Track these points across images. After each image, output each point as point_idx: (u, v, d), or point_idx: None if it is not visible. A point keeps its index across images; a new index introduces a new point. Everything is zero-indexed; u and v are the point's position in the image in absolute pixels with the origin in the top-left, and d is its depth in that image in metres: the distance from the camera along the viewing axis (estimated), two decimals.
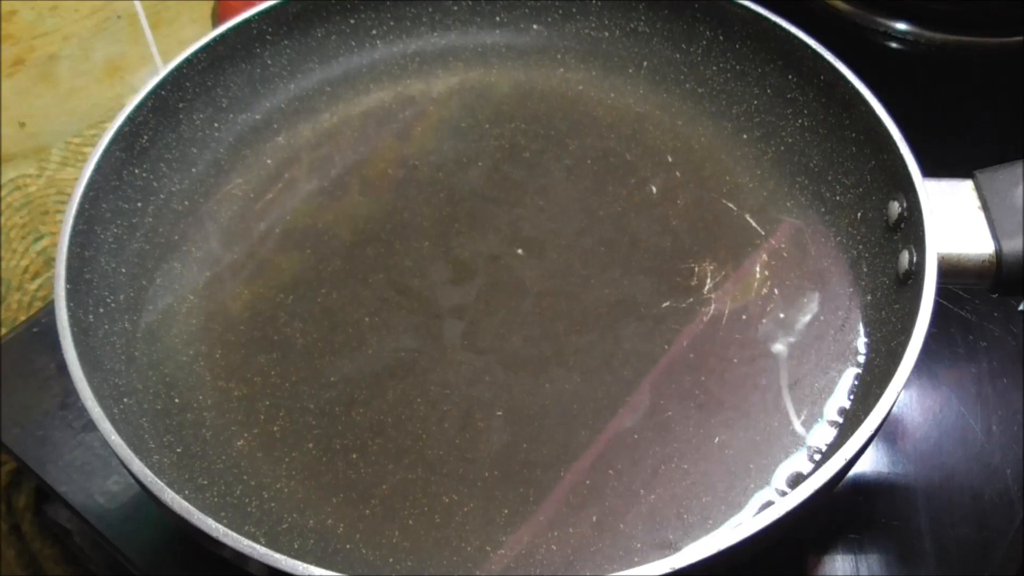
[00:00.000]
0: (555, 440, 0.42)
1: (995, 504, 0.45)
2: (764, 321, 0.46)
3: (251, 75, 0.55)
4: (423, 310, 0.47)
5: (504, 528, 0.40)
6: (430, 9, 0.58)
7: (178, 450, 0.42)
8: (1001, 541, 0.44)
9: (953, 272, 0.41)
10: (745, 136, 0.53)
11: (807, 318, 0.46)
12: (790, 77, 0.52)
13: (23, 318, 0.61)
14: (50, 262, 0.67)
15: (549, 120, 0.55)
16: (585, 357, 0.45)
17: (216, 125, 0.54)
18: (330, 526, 0.40)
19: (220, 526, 0.34)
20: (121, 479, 0.47)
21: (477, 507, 0.41)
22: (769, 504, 0.39)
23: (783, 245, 0.49)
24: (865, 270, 0.47)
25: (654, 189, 0.52)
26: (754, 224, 0.50)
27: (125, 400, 0.43)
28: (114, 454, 0.37)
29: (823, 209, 0.50)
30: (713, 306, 0.47)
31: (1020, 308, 0.52)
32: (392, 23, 0.58)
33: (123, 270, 0.47)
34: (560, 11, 0.58)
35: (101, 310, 0.45)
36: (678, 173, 0.52)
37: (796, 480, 0.41)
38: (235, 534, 0.34)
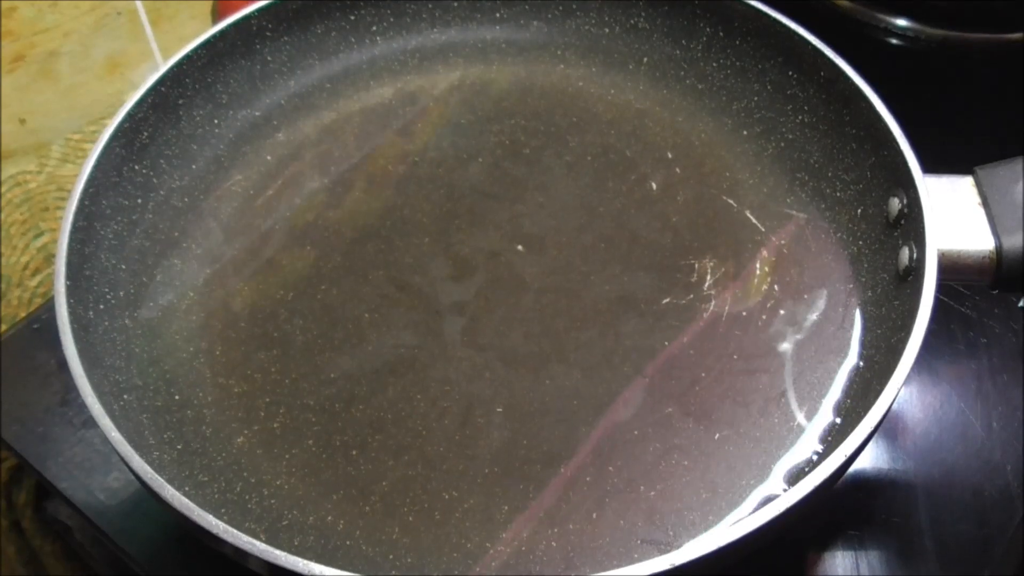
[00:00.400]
0: (555, 436, 0.42)
1: (995, 501, 0.46)
2: (764, 317, 0.46)
3: (251, 71, 0.55)
4: (423, 306, 0.47)
5: (504, 524, 0.40)
6: (430, 5, 0.58)
7: (178, 446, 0.42)
8: (1001, 538, 0.44)
9: (953, 268, 0.41)
10: (745, 132, 0.53)
11: (807, 314, 0.46)
12: (790, 73, 0.52)
13: (23, 314, 0.61)
14: (50, 258, 0.67)
15: (549, 116, 0.55)
16: (585, 353, 0.45)
17: (216, 121, 0.54)
18: (330, 522, 0.40)
19: (220, 522, 0.34)
20: (121, 475, 0.47)
21: (477, 503, 0.41)
22: (769, 500, 0.39)
23: (783, 241, 0.49)
24: (865, 266, 0.47)
25: (654, 185, 0.52)
26: (754, 220, 0.50)
27: (125, 396, 0.43)
28: (114, 450, 0.37)
29: (823, 205, 0.50)
30: (713, 303, 0.47)
31: (1020, 304, 0.52)
32: (392, 19, 0.58)
33: (123, 266, 0.47)
34: (560, 7, 0.58)
35: (101, 306, 0.45)
36: (678, 169, 0.52)
37: (796, 476, 0.41)
38: (235, 530, 0.34)
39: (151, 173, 0.50)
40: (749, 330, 0.46)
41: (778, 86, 0.53)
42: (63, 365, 0.39)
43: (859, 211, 0.48)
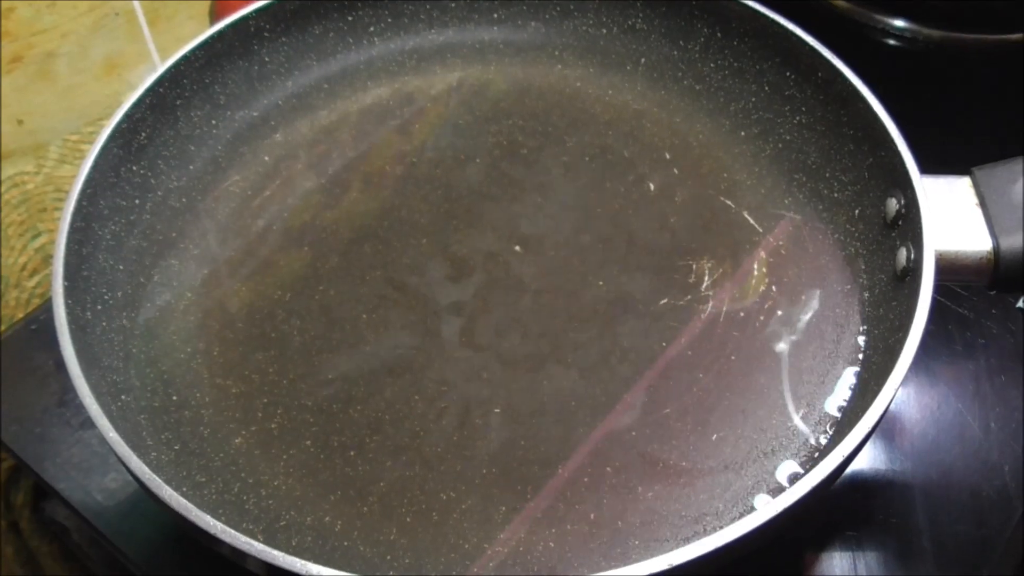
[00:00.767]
0: (553, 437, 0.42)
1: (993, 501, 0.46)
2: (762, 318, 0.46)
3: (249, 72, 0.55)
4: (421, 307, 0.47)
5: (502, 525, 0.40)
6: (428, 6, 0.58)
7: (176, 447, 0.42)
8: (999, 538, 0.44)
9: (951, 269, 0.41)
10: (743, 133, 0.53)
11: (805, 315, 0.46)
12: (788, 74, 0.52)
13: (21, 315, 0.61)
14: (48, 259, 0.67)
15: (547, 117, 0.55)
16: (583, 354, 0.45)
17: (214, 122, 0.54)
18: (328, 523, 0.40)
19: (218, 523, 0.34)
20: (119, 476, 0.47)
21: (475, 504, 0.41)
22: (767, 501, 0.39)
23: (781, 242, 0.49)
24: (863, 267, 0.47)
25: (652, 186, 0.52)
26: (752, 221, 0.50)
27: (123, 397, 0.43)
28: (112, 451, 0.37)
29: (821, 206, 0.50)
30: (711, 303, 0.47)
31: (1018, 305, 0.52)
32: (390, 20, 0.58)
33: (121, 267, 0.47)
34: (558, 8, 0.58)
35: (99, 307, 0.45)
36: (676, 170, 0.52)
37: (794, 477, 0.41)
38: (233, 531, 0.34)
39: (149, 174, 0.50)
40: (747, 331, 0.46)
41: (776, 87, 0.53)
42: (61, 366, 0.39)
43: (857, 212, 0.48)
